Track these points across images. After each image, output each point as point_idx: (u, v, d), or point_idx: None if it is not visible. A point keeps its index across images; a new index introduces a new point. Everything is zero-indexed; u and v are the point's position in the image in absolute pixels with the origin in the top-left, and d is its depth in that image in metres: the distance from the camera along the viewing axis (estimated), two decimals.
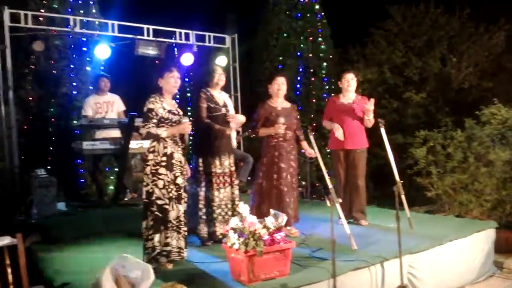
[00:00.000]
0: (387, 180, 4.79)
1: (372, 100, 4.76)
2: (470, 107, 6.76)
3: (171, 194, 3.64)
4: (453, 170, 5.94)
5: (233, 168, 4.42)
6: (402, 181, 4.19)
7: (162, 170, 3.62)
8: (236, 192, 4.40)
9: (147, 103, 3.69)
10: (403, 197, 4.42)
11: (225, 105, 4.44)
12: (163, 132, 3.63)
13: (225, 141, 4.37)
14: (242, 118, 4.56)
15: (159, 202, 3.61)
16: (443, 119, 7.31)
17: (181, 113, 3.86)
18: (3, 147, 6.18)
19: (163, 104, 3.71)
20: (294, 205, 4.56)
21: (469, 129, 6.09)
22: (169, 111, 3.71)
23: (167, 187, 3.62)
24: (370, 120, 4.82)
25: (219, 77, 4.42)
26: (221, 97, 4.48)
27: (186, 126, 3.71)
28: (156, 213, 3.60)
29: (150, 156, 3.66)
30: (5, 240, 2.87)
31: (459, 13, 9.24)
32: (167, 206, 3.62)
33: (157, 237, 3.59)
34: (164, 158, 3.64)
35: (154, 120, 3.64)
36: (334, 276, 3.16)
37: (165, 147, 3.66)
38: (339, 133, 4.83)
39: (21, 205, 5.38)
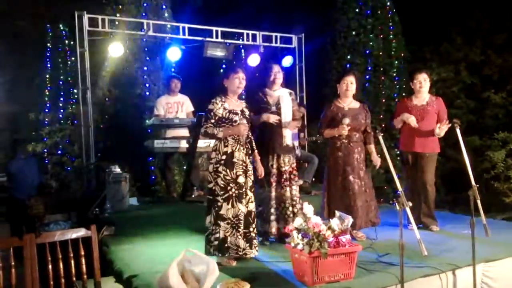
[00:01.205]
0: (461, 184, 4.56)
1: (446, 125, 4.51)
2: None
3: (230, 192, 3.69)
4: None
5: (283, 169, 4.30)
6: (478, 185, 3.96)
7: (221, 168, 3.70)
8: (287, 194, 4.30)
9: (209, 104, 3.79)
10: (478, 202, 4.15)
11: (277, 103, 4.33)
12: (219, 132, 3.71)
13: (274, 142, 4.27)
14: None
15: (218, 199, 3.68)
16: None
17: (246, 113, 3.89)
18: (81, 145, 6.57)
19: (225, 105, 3.78)
20: (366, 209, 4.39)
21: None
22: (230, 111, 3.77)
23: (226, 185, 3.68)
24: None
25: (275, 75, 4.37)
26: (277, 94, 4.38)
27: (241, 128, 3.74)
28: (216, 209, 3.67)
29: (213, 155, 3.78)
30: (81, 232, 3.03)
31: None
32: (225, 204, 3.67)
33: (217, 233, 3.66)
34: (224, 157, 3.72)
35: (212, 121, 3.74)
36: (402, 282, 3.02)
37: (225, 146, 3.74)
38: (411, 119, 4.62)
39: (96, 199, 5.67)
